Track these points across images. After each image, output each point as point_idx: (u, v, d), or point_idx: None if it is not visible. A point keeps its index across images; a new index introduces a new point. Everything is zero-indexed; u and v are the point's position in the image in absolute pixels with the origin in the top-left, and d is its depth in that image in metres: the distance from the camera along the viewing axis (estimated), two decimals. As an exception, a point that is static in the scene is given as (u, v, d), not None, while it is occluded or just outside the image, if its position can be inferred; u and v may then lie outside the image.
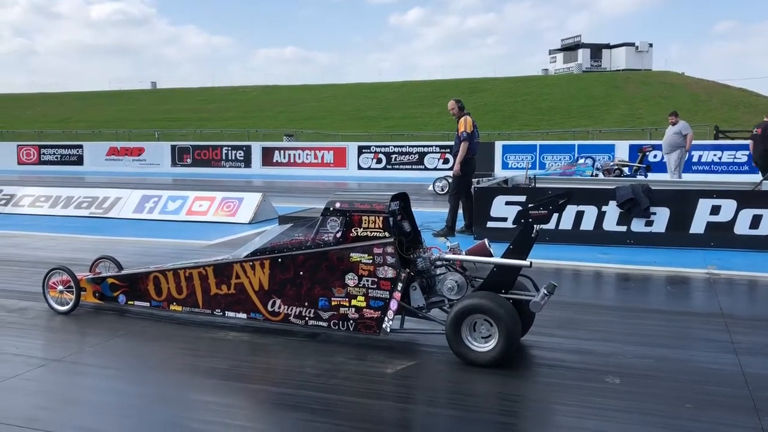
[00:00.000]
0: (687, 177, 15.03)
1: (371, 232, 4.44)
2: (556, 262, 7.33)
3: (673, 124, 14.60)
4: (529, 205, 4.25)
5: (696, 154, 18.61)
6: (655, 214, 8.22)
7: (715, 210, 8.03)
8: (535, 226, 4.16)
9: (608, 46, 66.24)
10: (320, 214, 4.66)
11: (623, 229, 8.33)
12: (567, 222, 8.44)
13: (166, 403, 3.79)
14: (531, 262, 4.19)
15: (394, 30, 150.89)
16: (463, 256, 4.54)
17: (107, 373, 4.25)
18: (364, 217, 4.46)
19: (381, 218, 4.42)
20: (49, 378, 4.13)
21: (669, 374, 4.03)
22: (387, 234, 4.40)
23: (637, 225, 8.27)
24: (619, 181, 10.43)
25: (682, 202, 8.21)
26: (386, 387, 3.96)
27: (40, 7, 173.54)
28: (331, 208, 4.59)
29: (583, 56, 65.11)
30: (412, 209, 4.85)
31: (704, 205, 8.07)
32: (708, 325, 5.06)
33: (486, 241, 4.62)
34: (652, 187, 8.36)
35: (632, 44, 64.52)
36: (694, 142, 15.41)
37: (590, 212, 8.45)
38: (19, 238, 9.50)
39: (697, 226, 8.09)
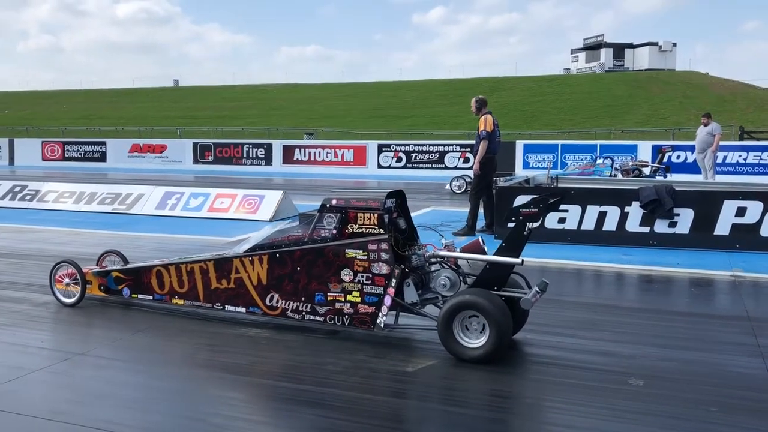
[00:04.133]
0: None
1: (366, 228, 4.49)
2: (578, 262, 7.27)
3: (706, 125, 14.57)
4: (520, 204, 4.27)
5: (721, 155, 18.35)
6: (678, 215, 8.12)
7: (741, 212, 7.91)
8: (527, 224, 4.19)
9: (631, 46, 65.45)
10: (317, 210, 4.73)
11: (646, 230, 8.24)
12: (589, 222, 8.38)
13: (188, 398, 3.82)
14: (523, 260, 4.24)
15: (416, 28, 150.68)
16: (456, 253, 4.59)
17: (130, 367, 4.30)
18: (359, 214, 4.53)
19: (376, 215, 4.48)
20: (74, 371, 4.18)
21: (694, 377, 3.98)
22: (382, 231, 4.45)
23: (661, 226, 8.18)
24: (643, 181, 10.31)
25: (707, 204, 8.10)
26: (408, 386, 3.96)
27: (67, 5, 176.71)
28: (328, 205, 4.66)
29: (605, 56, 64.40)
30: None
31: (729, 207, 7.96)
32: (734, 329, 4.98)
33: (480, 238, 4.65)
34: (676, 188, 8.26)
35: (655, 44, 63.69)
36: (720, 143, 15.28)
37: (613, 213, 8.37)
38: (44, 233, 9.65)
39: (722, 228, 7.98)
